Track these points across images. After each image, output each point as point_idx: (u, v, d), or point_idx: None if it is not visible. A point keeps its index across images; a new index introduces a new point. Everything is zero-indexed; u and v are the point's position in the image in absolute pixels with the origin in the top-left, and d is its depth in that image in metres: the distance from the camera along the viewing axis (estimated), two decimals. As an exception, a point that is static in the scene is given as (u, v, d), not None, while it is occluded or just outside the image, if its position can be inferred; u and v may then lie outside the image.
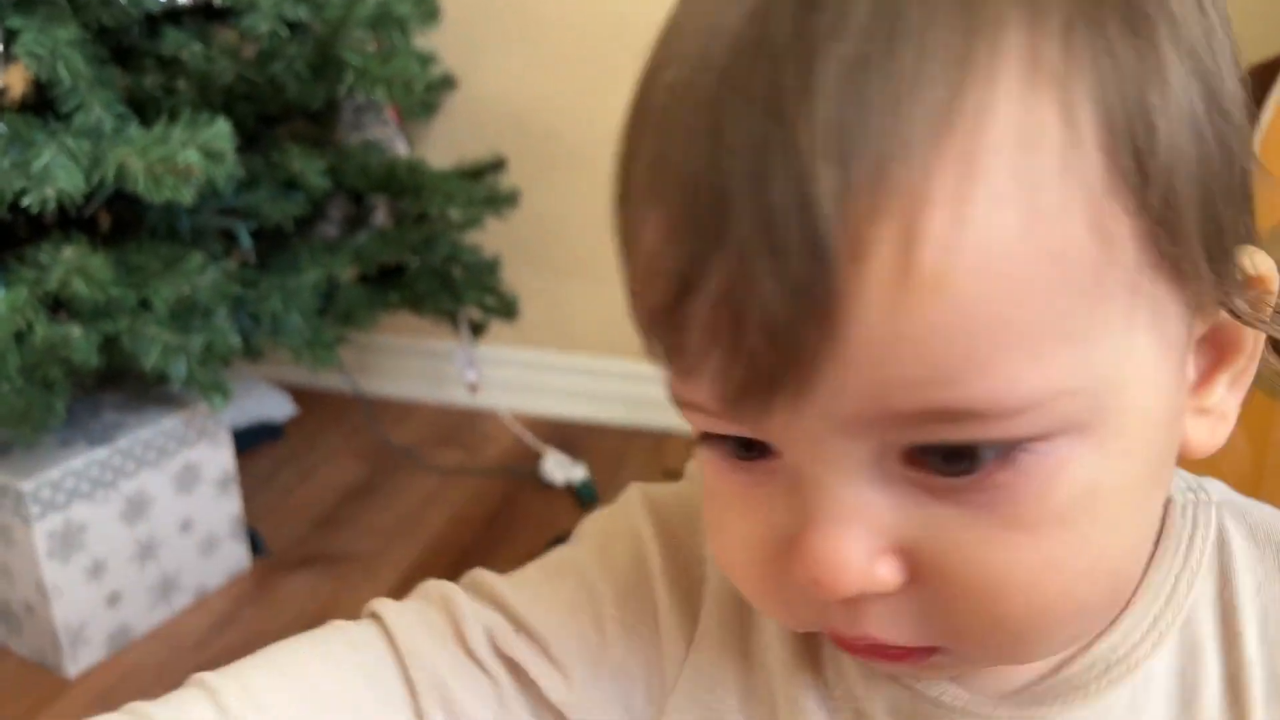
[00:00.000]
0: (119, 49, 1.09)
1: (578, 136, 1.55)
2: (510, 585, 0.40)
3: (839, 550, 0.27)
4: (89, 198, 0.99)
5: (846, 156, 0.23)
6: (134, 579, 1.23)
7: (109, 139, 0.99)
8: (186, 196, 0.98)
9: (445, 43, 1.54)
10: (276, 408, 1.67)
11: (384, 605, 0.40)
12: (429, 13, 1.38)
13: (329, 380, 1.66)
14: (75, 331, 0.99)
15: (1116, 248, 0.25)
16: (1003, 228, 0.24)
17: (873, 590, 0.28)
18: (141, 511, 1.22)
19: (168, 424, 1.23)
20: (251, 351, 1.27)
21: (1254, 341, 0.31)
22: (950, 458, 0.26)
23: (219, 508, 1.32)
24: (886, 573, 0.28)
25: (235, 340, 1.16)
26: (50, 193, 0.93)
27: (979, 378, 0.24)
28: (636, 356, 0.29)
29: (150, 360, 1.04)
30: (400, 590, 0.40)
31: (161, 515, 1.25)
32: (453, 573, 0.41)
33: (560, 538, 0.45)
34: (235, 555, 1.35)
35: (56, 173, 0.93)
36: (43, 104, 1.05)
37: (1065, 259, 0.24)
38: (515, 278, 1.56)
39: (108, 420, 1.20)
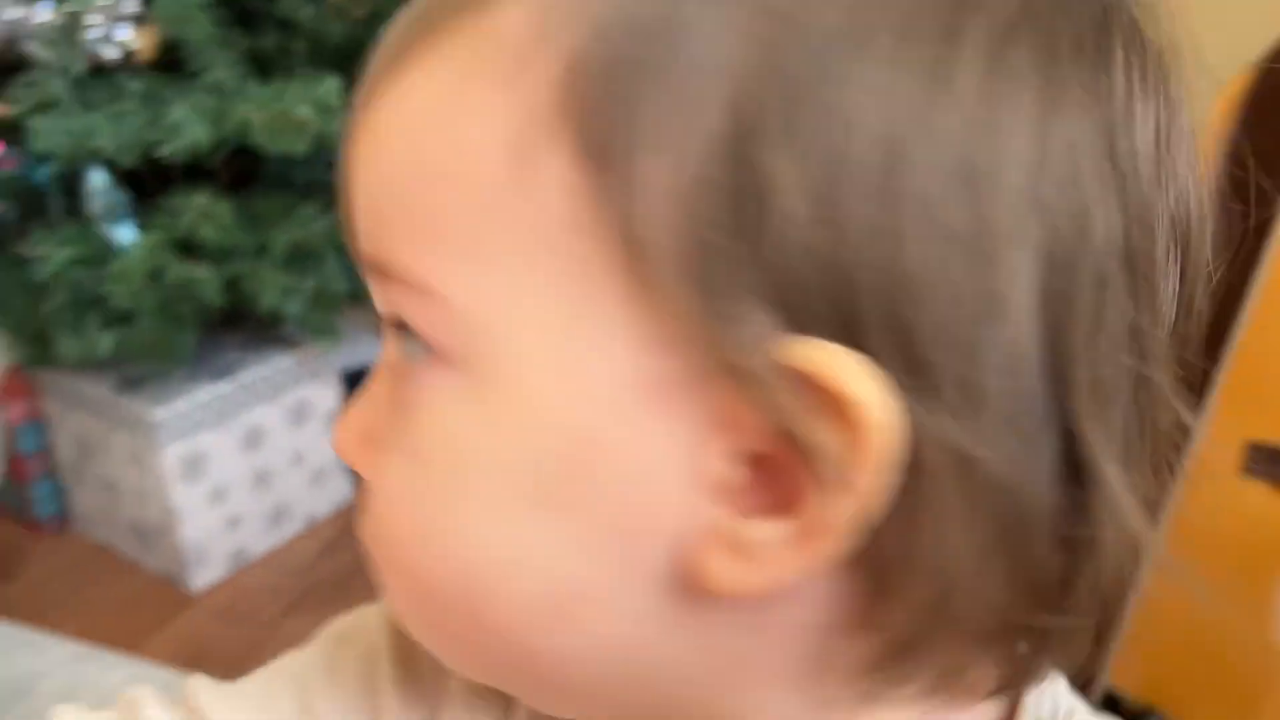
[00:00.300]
0: (241, 11, 1.17)
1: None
2: (221, 696, 0.36)
3: (343, 413, 0.28)
4: (214, 150, 1.08)
5: (414, 9, 0.26)
6: (251, 505, 1.33)
7: (232, 95, 1.07)
8: (301, 148, 1.05)
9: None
10: (381, 353, 1.76)
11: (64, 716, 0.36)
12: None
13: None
14: (203, 272, 1.08)
15: (535, 186, 0.22)
16: (426, 104, 0.24)
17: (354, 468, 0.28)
18: (258, 443, 1.32)
19: (282, 363, 1.33)
20: (358, 296, 1.35)
21: (823, 504, 0.21)
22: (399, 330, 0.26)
23: (328, 442, 1.41)
24: (354, 453, 0.28)
25: (343, 285, 1.24)
26: (182, 145, 1.01)
27: (381, 235, 0.25)
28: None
29: (268, 300, 1.13)
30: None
31: (275, 447, 1.35)
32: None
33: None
34: (342, 487, 1.45)
35: (188, 127, 1.02)
36: (170, 63, 1.14)
37: (474, 161, 0.23)
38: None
39: (230, 358, 1.30)
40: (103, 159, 1.07)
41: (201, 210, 1.04)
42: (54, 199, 1.17)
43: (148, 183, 1.15)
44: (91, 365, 1.21)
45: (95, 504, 1.36)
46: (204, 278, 1.07)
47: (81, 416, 1.30)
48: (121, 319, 1.08)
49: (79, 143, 1.04)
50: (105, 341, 1.09)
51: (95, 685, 0.75)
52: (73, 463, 1.35)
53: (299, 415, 1.36)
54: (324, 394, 1.39)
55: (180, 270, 1.06)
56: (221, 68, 1.11)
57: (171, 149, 1.01)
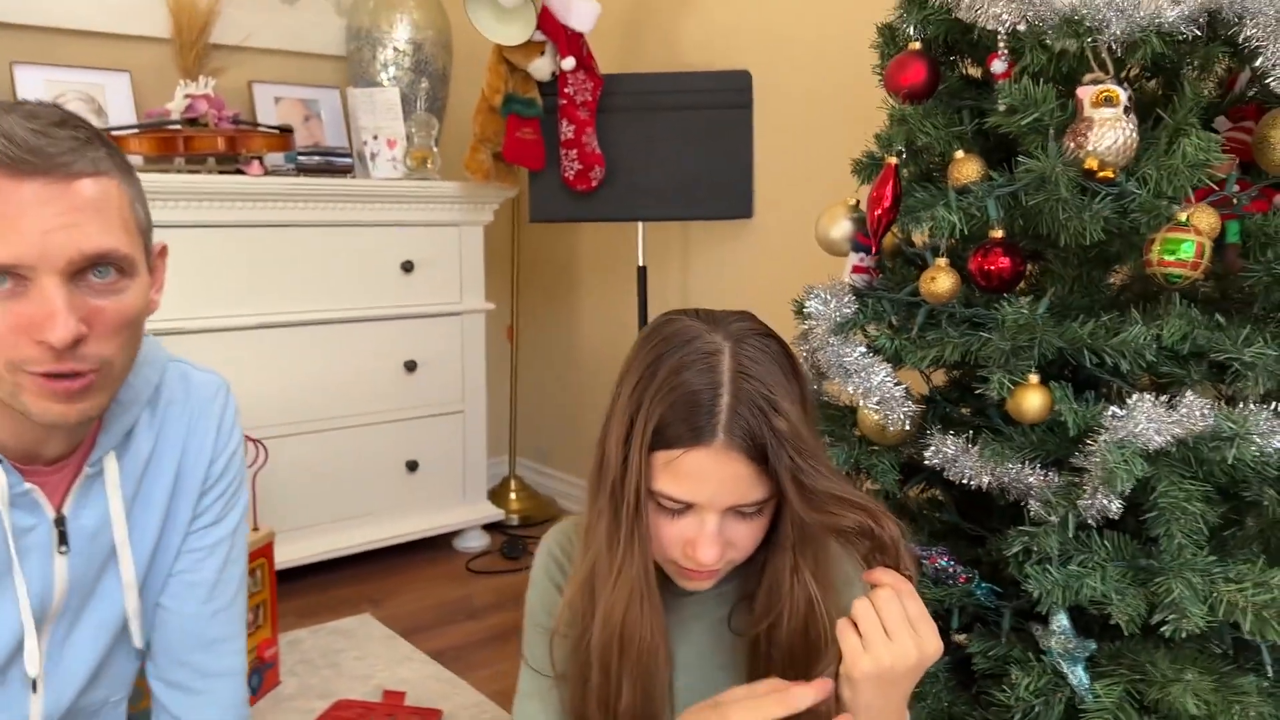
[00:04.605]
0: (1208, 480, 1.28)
1: None
2: None
3: None
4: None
5: None
6: None
7: (1215, 577, 1.16)
8: (1286, 642, 1.10)
9: None
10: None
11: None
12: None
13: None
14: (1165, 738, 1.15)
15: None
16: None
17: None
18: None
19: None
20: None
21: None
22: None
23: None
24: None
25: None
26: (1182, 625, 1.12)
27: None
28: None
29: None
30: None
31: None
32: None
33: None
34: None
35: (1187, 605, 1.12)
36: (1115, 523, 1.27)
37: None
38: None
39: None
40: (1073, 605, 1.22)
41: (1190, 686, 1.13)
42: (1003, 613, 1.35)
43: (1094, 626, 1.28)
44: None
45: None
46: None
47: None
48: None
49: (1068, 592, 1.20)
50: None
51: None
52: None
53: None
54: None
55: (1142, 731, 1.14)
56: (1182, 536, 1.21)
57: (1172, 628, 1.12)
